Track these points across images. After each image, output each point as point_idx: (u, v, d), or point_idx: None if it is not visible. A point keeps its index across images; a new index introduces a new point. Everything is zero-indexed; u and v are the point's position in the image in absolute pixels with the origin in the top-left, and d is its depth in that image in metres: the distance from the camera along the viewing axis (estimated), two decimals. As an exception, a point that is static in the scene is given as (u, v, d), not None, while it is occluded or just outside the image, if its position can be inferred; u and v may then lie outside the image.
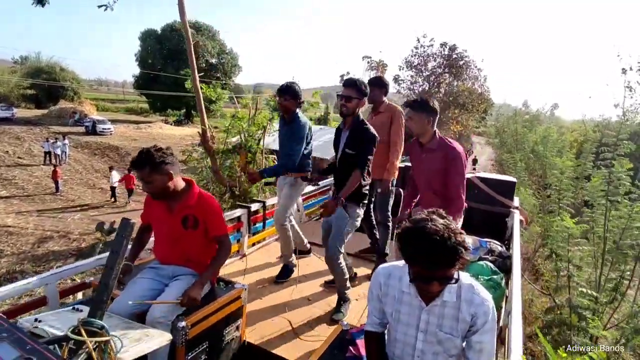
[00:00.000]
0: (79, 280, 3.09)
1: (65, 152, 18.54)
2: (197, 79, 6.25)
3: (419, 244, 1.20)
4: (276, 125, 7.66)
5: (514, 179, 4.20)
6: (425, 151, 2.42)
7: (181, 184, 2.02)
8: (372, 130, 2.56)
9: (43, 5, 5.25)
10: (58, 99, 38.13)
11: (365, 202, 2.69)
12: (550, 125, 15.15)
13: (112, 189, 14.23)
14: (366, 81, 2.75)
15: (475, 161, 21.56)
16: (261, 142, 7.16)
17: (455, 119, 23.31)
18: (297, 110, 2.96)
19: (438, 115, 2.39)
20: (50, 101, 37.84)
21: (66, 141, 19.10)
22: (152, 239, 2.21)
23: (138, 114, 45.30)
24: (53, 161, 17.56)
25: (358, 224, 2.68)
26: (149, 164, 1.87)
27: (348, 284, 2.76)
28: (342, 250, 2.65)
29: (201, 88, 6.61)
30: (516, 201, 4.05)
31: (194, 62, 6.12)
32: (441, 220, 1.25)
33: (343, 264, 2.67)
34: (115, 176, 14.19)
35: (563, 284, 4.00)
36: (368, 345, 1.57)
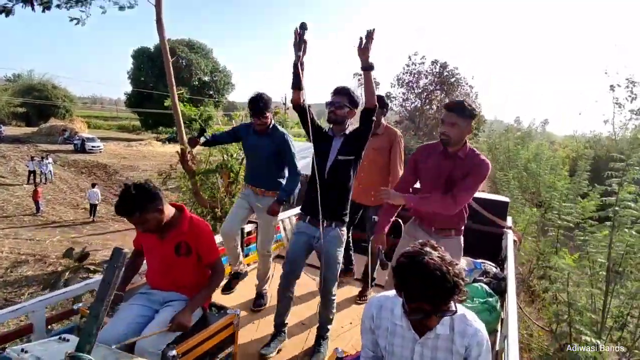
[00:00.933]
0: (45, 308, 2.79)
1: (50, 171, 18.10)
2: (176, 96, 6.00)
3: (420, 282, 1.18)
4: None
5: (507, 199, 4.08)
6: (450, 158, 2.15)
7: (171, 212, 1.96)
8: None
9: (7, 15, 5.05)
10: (49, 117, 37.85)
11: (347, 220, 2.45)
12: (542, 142, 15.08)
13: (92, 206, 13.60)
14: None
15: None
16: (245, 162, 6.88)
17: (448, 136, 23.25)
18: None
19: None
20: (42, 119, 37.60)
21: (49, 160, 18.69)
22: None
23: (130, 131, 45.06)
24: (37, 180, 17.11)
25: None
26: (137, 208, 1.79)
27: (333, 318, 2.54)
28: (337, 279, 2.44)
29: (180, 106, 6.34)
30: (509, 221, 3.94)
31: (172, 78, 5.88)
32: (436, 253, 1.23)
33: (335, 297, 2.48)
34: (96, 194, 13.65)
35: (564, 329, 3.67)
36: None
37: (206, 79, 39.51)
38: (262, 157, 2.82)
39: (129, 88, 39.73)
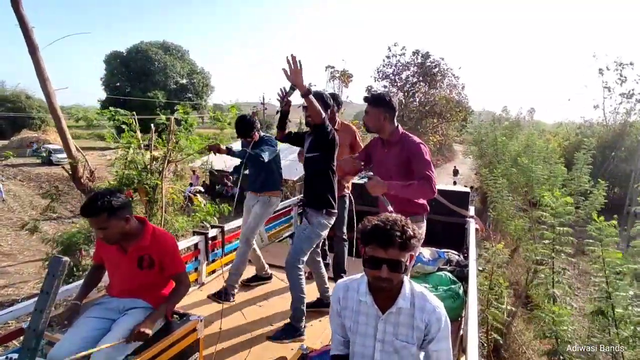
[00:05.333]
0: None
1: None
2: (54, 94, 4.60)
3: (376, 223, 1.33)
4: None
5: (467, 190, 4.35)
6: (387, 146, 2.40)
7: (135, 224, 1.93)
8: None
9: None
10: (22, 129, 36.14)
11: (333, 211, 2.56)
12: (532, 132, 13.82)
13: None
14: (328, 92, 2.97)
15: (456, 172, 20.17)
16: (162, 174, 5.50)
17: (434, 129, 22.14)
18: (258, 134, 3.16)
19: (396, 112, 2.37)
20: (16, 131, 35.85)
21: (-1, 176, 17.18)
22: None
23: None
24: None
25: (323, 233, 2.58)
26: (106, 210, 1.77)
27: (304, 307, 2.55)
28: (302, 262, 2.52)
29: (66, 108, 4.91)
30: (471, 210, 4.10)
31: (46, 71, 4.46)
32: (395, 215, 1.40)
33: (303, 278, 2.54)
34: None
35: None
36: None
37: (184, 81, 38.03)
38: (252, 166, 3.17)
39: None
